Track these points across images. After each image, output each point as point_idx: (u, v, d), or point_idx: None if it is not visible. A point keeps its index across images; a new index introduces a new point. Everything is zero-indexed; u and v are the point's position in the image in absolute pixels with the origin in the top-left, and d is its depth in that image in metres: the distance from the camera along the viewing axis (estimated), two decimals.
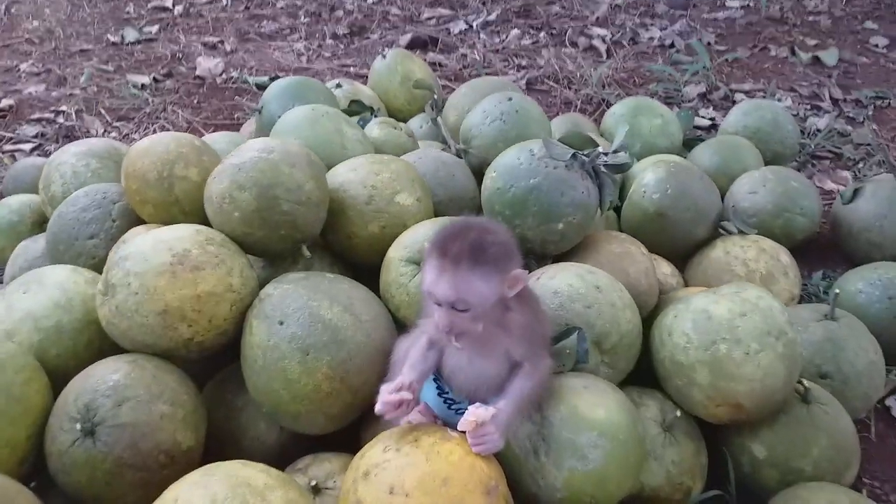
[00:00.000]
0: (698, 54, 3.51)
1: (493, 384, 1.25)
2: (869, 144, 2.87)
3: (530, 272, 1.50)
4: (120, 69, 3.70)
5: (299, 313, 1.33)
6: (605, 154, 1.64)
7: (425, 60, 3.18)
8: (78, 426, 1.24)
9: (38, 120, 3.19)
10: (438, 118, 2.24)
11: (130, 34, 4.15)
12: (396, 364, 1.33)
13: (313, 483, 1.26)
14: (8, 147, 2.96)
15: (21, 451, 1.28)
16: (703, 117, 3.11)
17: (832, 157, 2.86)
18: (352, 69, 3.68)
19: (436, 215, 1.71)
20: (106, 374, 1.29)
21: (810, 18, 4.25)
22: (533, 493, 1.24)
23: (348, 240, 1.63)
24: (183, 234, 1.41)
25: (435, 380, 1.31)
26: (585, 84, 3.40)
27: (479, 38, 4.02)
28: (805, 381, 1.44)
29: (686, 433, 1.42)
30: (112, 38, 4.11)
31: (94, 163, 1.93)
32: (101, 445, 1.23)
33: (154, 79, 3.54)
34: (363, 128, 2.14)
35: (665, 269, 1.85)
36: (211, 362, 1.57)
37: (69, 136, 3.02)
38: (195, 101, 3.34)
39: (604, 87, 3.38)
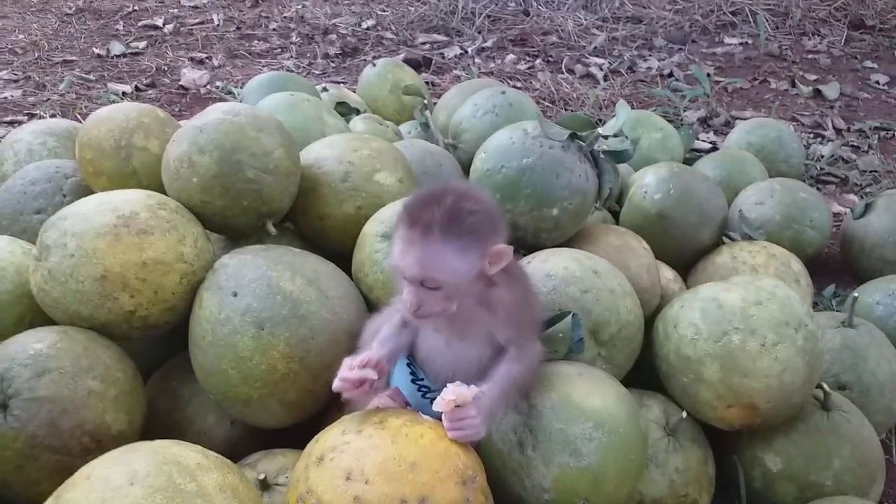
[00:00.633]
0: (698, 81, 3.42)
1: (473, 371, 1.09)
2: (875, 171, 2.76)
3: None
4: (102, 79, 3.59)
5: (256, 284, 1.17)
6: (605, 138, 1.50)
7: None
8: None
9: (11, 122, 3.06)
10: (428, 114, 2.11)
11: (116, 48, 4.05)
12: (365, 344, 1.17)
13: (261, 477, 1.08)
14: None
15: None
16: (703, 140, 3.00)
17: (838, 182, 2.74)
18: (343, 86, 3.57)
19: None
20: (28, 343, 1.12)
21: (809, 56, 4.20)
22: (517, 495, 1.07)
23: (320, 221, 1.48)
24: (132, 197, 1.26)
25: (409, 364, 1.15)
26: (582, 105, 3.30)
27: (473, 62, 3.94)
28: (825, 385, 1.28)
29: (692, 439, 1.25)
30: (98, 51, 4.02)
31: (52, 141, 1.79)
32: (12, 421, 1.05)
33: (136, 87, 3.43)
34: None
35: (667, 274, 1.69)
36: (162, 350, 1.40)
37: None
38: (176, 110, 3.21)
39: (600, 108, 3.28)
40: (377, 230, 1.33)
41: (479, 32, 4.39)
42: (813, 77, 3.86)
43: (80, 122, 3.07)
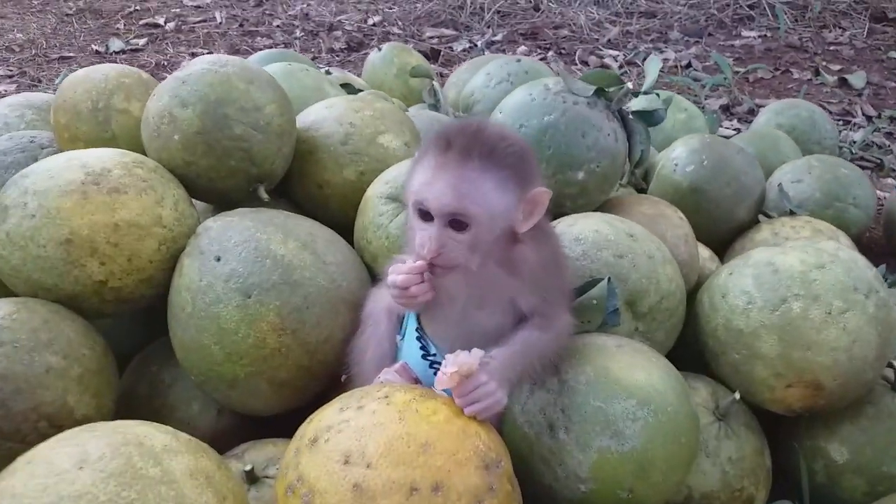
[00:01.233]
0: (719, 69, 3.26)
1: (492, 345, 0.93)
2: None
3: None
4: None
5: (242, 247, 1.02)
6: (636, 95, 1.35)
7: None
8: None
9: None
10: (437, 85, 1.96)
11: (116, 44, 3.94)
12: (370, 318, 1.01)
13: (248, 468, 0.93)
14: None
15: None
16: (726, 128, 2.84)
17: (873, 167, 2.57)
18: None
19: None
20: None
21: (831, 48, 4.04)
22: (547, 486, 0.90)
23: (318, 189, 1.32)
24: (105, 154, 1.11)
25: (419, 338, 0.99)
26: None
27: (483, 55, 3.80)
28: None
29: (745, 424, 1.09)
30: (96, 48, 3.91)
31: (30, 114, 1.64)
32: None
33: None
34: None
35: (703, 252, 1.53)
36: (145, 332, 1.25)
37: None
38: None
39: None
40: (381, 191, 1.18)
41: (489, 27, 4.26)
42: (837, 67, 3.71)
43: None
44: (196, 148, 1.16)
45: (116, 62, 3.70)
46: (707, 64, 3.62)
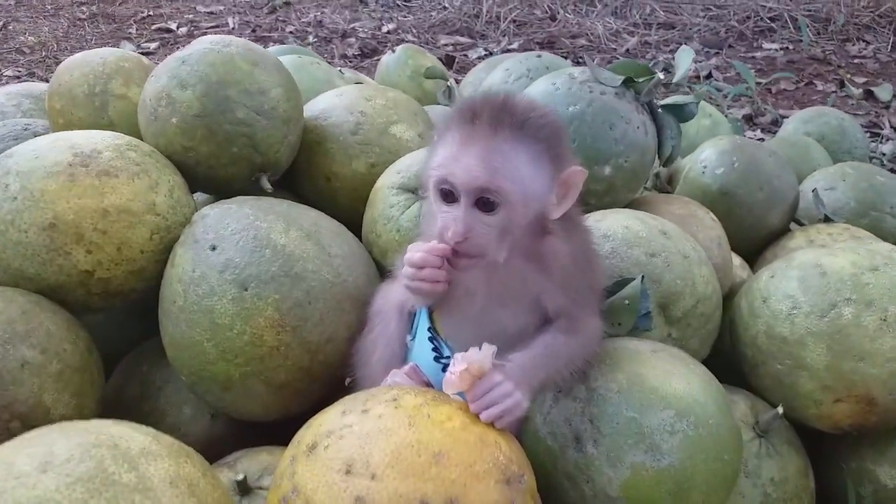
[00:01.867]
0: (742, 78, 3.18)
1: (514, 348, 0.83)
2: None
3: None
4: None
5: (240, 235, 0.93)
6: (667, 85, 1.26)
7: None
8: None
9: None
10: (453, 83, 1.88)
11: (126, 48, 3.89)
12: (378, 317, 0.92)
13: (240, 478, 0.84)
14: None
15: None
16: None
17: None
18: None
19: None
20: None
21: (855, 61, 3.96)
22: None
23: (326, 182, 1.24)
24: (95, 136, 1.03)
25: (431, 339, 0.90)
26: None
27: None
28: None
29: (789, 442, 0.98)
30: None
31: (28, 103, 1.58)
32: None
33: None
34: None
35: (734, 260, 1.44)
36: (138, 331, 1.16)
37: None
38: None
39: None
40: (393, 181, 1.09)
41: (504, 35, 4.20)
42: (861, 80, 3.62)
43: None
44: (195, 132, 1.08)
45: None
46: (728, 75, 3.54)
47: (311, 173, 1.25)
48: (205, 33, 4.28)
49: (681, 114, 1.29)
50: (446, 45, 4.04)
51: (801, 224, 1.57)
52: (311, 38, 4.15)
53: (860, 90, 3.39)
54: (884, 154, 2.61)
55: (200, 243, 0.94)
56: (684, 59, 1.30)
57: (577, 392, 0.83)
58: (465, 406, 0.72)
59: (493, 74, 1.68)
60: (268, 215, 0.96)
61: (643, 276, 0.92)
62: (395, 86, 2.48)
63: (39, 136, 1.33)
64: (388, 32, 4.32)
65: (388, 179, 1.10)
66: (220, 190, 1.18)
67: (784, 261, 1.03)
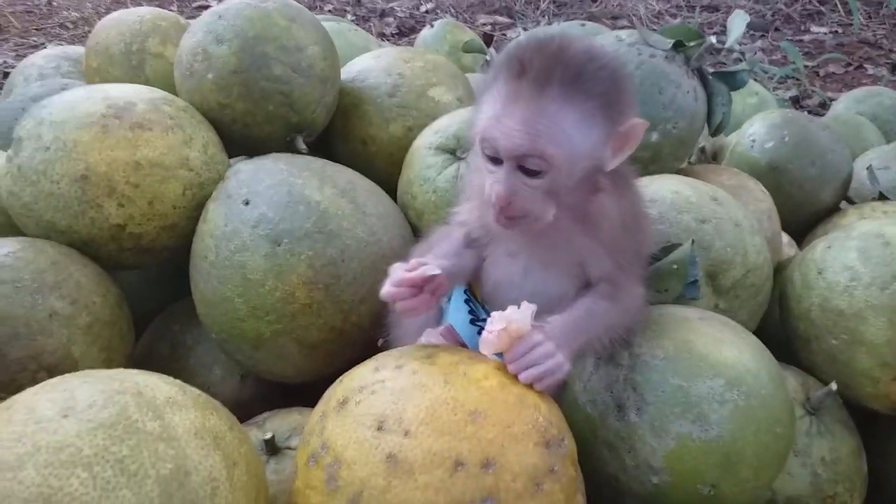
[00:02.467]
0: (789, 58, 3.08)
1: (553, 313, 0.79)
2: None
3: None
4: None
5: (273, 190, 0.90)
6: (718, 52, 1.21)
7: None
8: None
9: None
10: (495, 57, 1.83)
11: None
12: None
13: (268, 436, 0.81)
14: None
15: None
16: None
17: None
18: None
19: None
20: None
21: None
22: (612, 476, 0.77)
23: (363, 146, 1.21)
24: (131, 89, 1.01)
25: (467, 301, 0.86)
26: None
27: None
28: None
29: (841, 421, 0.94)
30: None
31: (67, 65, 1.56)
32: None
33: None
34: None
35: (782, 238, 1.38)
36: (170, 291, 1.15)
37: None
38: None
39: None
40: (430, 141, 1.06)
41: (544, 15, 4.13)
42: None
43: None
44: (231, 89, 1.06)
45: None
46: (774, 58, 3.44)
47: (346, 136, 1.22)
48: None
49: (732, 81, 1.24)
50: (485, 24, 3.98)
51: (852, 203, 1.51)
52: (349, 17, 4.12)
53: None
54: None
55: (233, 198, 0.91)
56: (738, 23, 1.25)
57: (619, 358, 0.79)
58: (502, 366, 0.69)
59: None
60: (303, 171, 0.93)
61: (693, 241, 0.87)
62: None
63: None
64: (427, 12, 4.28)
65: (426, 140, 1.07)
66: (255, 150, 1.14)
67: (842, 230, 0.98)
